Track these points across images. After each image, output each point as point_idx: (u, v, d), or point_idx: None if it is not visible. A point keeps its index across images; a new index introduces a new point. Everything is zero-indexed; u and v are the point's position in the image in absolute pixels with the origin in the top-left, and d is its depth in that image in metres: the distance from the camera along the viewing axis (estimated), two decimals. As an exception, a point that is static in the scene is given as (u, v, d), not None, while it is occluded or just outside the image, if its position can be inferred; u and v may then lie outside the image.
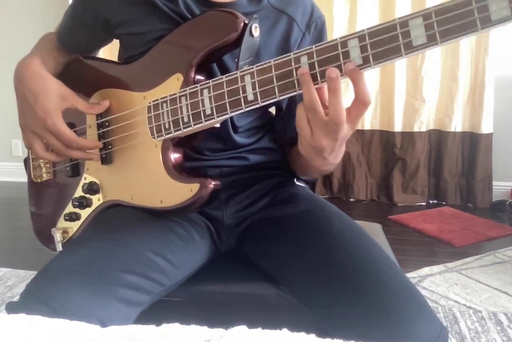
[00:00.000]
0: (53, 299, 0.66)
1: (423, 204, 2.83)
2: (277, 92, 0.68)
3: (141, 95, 0.83)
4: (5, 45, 3.22)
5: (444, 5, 0.57)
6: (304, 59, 0.65)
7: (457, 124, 2.76)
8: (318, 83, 0.65)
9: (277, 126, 0.97)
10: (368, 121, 2.88)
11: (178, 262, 0.80)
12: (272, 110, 1.01)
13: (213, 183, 0.76)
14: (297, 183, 0.97)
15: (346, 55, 0.63)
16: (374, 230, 1.06)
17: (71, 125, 0.89)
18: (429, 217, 2.57)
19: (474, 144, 2.75)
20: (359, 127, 2.88)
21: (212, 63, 0.82)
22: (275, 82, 0.67)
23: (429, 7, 0.58)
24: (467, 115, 2.77)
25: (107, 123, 0.88)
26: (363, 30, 0.62)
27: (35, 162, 1.03)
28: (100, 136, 0.88)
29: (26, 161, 1.07)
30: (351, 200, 2.92)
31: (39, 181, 1.03)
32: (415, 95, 2.76)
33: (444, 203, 2.82)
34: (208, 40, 0.77)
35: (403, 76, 2.76)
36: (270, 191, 0.93)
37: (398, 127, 2.81)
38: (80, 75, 0.86)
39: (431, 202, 2.87)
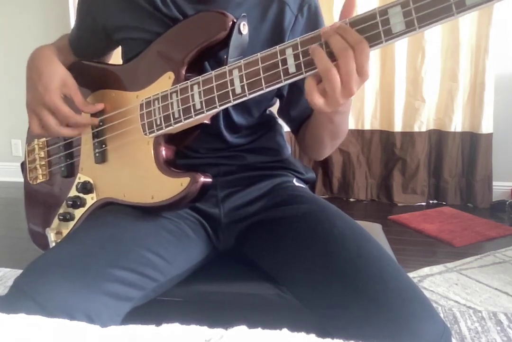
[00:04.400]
0: (38, 293, 0.67)
1: (423, 204, 2.83)
2: (263, 84, 0.70)
3: (135, 94, 0.85)
4: (5, 49, 3.22)
5: None
6: (289, 51, 0.67)
7: (457, 124, 2.76)
8: (302, 73, 0.67)
9: (282, 114, 0.97)
10: (368, 121, 2.88)
11: (171, 257, 0.81)
12: (273, 109, 1.01)
13: (203, 177, 0.77)
14: (297, 184, 0.97)
15: (328, 45, 0.65)
16: (374, 230, 1.06)
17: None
18: (429, 217, 2.57)
19: (474, 144, 2.75)
20: (359, 127, 2.89)
21: (204, 61, 0.83)
22: (261, 74, 0.69)
23: None
24: (467, 115, 2.76)
25: (101, 123, 0.89)
26: (345, 20, 0.64)
27: (31, 165, 1.04)
28: (94, 136, 0.90)
29: (23, 165, 1.08)
30: (351, 200, 2.92)
31: (35, 183, 1.04)
32: (415, 95, 2.76)
33: (444, 203, 2.82)
34: (199, 39, 0.79)
35: (403, 76, 2.76)
36: (269, 192, 0.93)
37: (398, 127, 2.81)
38: (79, 77, 0.88)
39: (431, 202, 2.87)
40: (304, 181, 1.01)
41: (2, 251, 2.19)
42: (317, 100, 0.66)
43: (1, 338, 0.43)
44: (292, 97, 0.93)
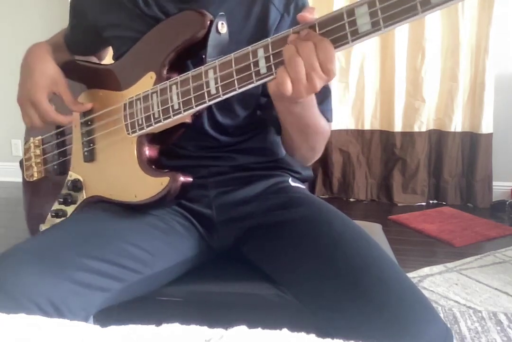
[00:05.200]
0: (4, 279, 0.68)
1: (423, 204, 2.83)
2: (236, 85, 0.71)
3: (120, 94, 0.87)
4: (5, 49, 3.22)
5: None
6: (260, 52, 0.68)
7: (457, 124, 2.76)
8: (273, 74, 0.68)
9: (265, 114, 0.95)
10: (368, 121, 2.88)
11: (155, 250, 0.82)
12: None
13: (182, 176, 0.79)
14: (293, 184, 0.96)
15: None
16: (374, 230, 1.06)
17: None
18: (429, 217, 2.57)
19: (474, 144, 2.75)
20: (359, 127, 2.89)
21: (186, 61, 0.84)
22: (234, 75, 0.71)
23: None
24: (467, 115, 2.76)
25: (89, 122, 0.91)
26: (314, 21, 0.65)
27: (27, 163, 1.06)
28: (83, 135, 0.92)
29: (21, 162, 1.10)
30: (351, 200, 2.92)
31: (31, 180, 1.05)
32: (415, 95, 2.76)
33: (444, 203, 2.82)
34: (178, 39, 0.80)
35: (403, 76, 2.76)
36: (264, 193, 0.92)
37: (398, 127, 2.81)
38: (70, 76, 0.92)
39: (431, 202, 2.87)
40: (301, 180, 1.00)
41: (2, 251, 2.18)
42: (287, 86, 0.66)
43: (1, 338, 0.43)
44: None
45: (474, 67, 2.69)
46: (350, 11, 0.61)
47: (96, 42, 1.01)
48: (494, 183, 2.77)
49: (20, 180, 1.08)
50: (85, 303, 0.71)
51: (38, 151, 1.04)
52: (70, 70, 0.93)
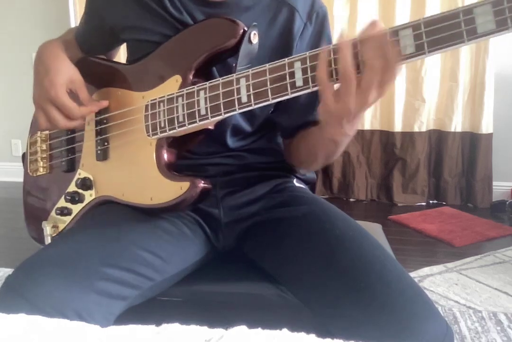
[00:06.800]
0: (29, 291, 0.67)
1: (423, 204, 2.83)
2: (270, 95, 0.70)
3: (140, 95, 0.85)
4: (5, 49, 3.22)
5: (433, 17, 0.60)
6: (297, 64, 0.68)
7: (457, 124, 2.76)
8: (309, 88, 0.68)
9: (277, 118, 0.95)
10: (368, 121, 2.88)
11: (167, 256, 0.81)
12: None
13: (202, 182, 0.78)
14: (297, 184, 0.97)
15: (338, 60, 0.65)
16: (374, 230, 1.06)
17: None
18: (429, 217, 2.57)
19: (474, 144, 2.75)
20: (359, 127, 2.88)
21: (211, 67, 0.83)
22: (268, 85, 0.70)
23: (419, 19, 0.61)
24: (467, 115, 2.76)
25: (105, 121, 0.90)
26: (355, 39, 0.64)
27: (32, 157, 1.05)
28: (97, 133, 0.91)
29: (24, 156, 1.08)
30: (351, 200, 2.92)
31: (35, 174, 1.04)
32: (415, 95, 2.76)
33: (444, 203, 2.82)
34: (208, 45, 0.79)
35: (403, 76, 2.76)
36: (269, 192, 0.93)
37: (398, 127, 2.81)
38: (85, 73, 0.89)
39: (431, 202, 2.87)
40: (305, 181, 1.01)
41: (2, 251, 2.19)
42: (330, 100, 0.66)
43: (1, 338, 0.43)
44: (289, 104, 0.90)
45: (474, 67, 2.69)
46: (395, 32, 0.62)
47: (110, 42, 1.00)
48: (494, 183, 2.77)
49: (20, 180, 1.07)
50: (106, 312, 0.71)
51: (44, 146, 1.02)
52: (85, 68, 0.91)
